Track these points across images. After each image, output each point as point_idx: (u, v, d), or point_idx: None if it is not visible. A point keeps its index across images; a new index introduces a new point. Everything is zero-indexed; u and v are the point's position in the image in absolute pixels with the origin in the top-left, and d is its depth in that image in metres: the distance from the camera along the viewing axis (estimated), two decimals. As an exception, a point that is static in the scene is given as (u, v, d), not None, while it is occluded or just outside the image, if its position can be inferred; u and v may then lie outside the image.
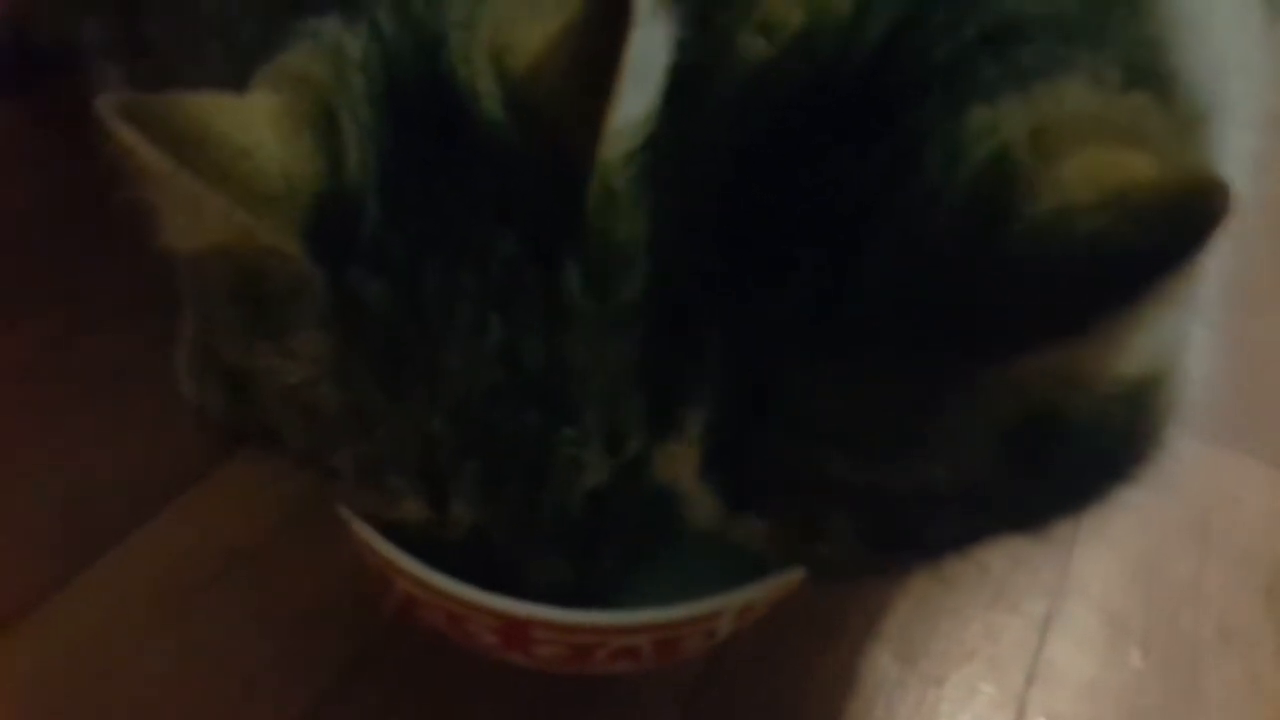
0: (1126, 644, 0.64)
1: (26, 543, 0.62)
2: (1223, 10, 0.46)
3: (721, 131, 0.40)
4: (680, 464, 0.42)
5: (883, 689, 0.61)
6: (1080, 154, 0.35)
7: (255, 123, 0.39)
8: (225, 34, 0.48)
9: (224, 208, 0.37)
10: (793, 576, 0.47)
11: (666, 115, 0.40)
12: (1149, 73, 0.39)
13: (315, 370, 0.41)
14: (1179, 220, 0.31)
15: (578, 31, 0.39)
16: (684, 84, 0.40)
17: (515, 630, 0.47)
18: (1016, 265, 0.34)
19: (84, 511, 0.63)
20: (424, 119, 0.41)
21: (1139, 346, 0.35)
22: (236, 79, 0.42)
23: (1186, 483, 0.74)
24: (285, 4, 0.45)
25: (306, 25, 0.43)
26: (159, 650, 0.58)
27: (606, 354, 0.41)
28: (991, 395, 0.37)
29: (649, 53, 0.38)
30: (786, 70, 0.39)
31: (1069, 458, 0.39)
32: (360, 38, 0.42)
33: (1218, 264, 0.43)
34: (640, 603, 0.47)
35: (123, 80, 0.65)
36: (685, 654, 0.51)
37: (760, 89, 0.40)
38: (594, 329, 0.40)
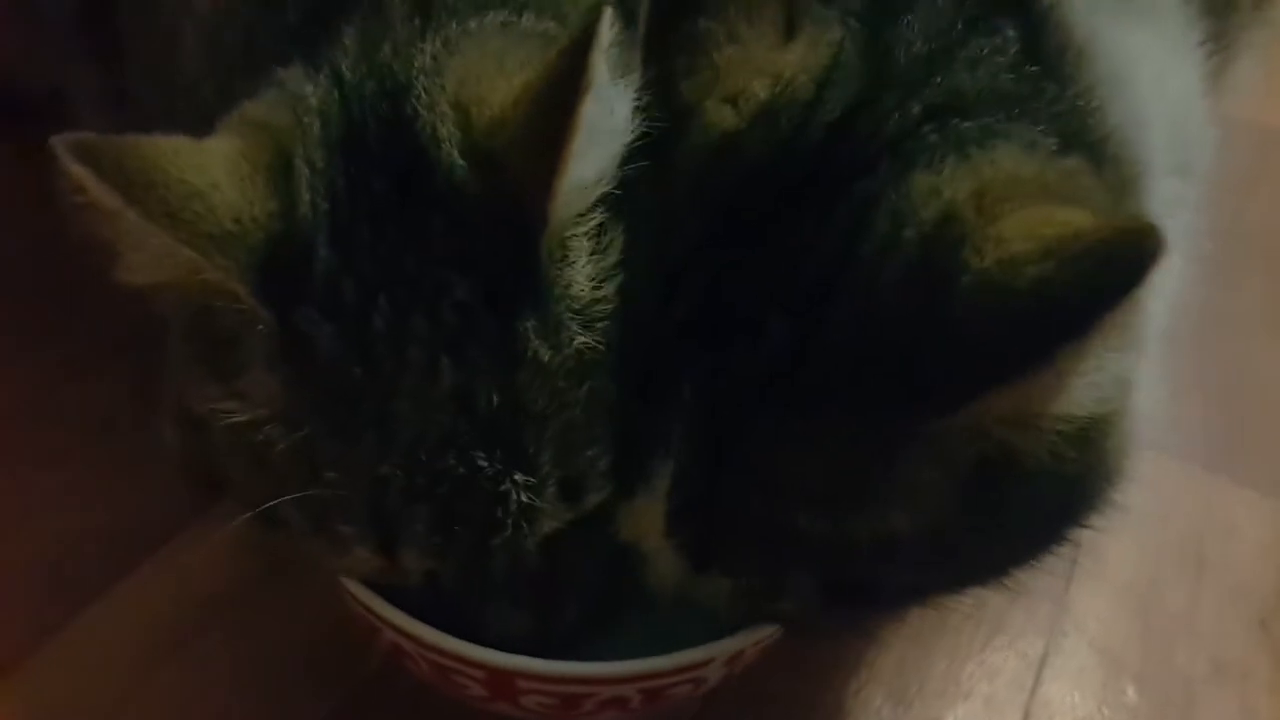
0: (1122, 680, 0.64)
1: (14, 593, 0.62)
2: (1147, 64, 0.48)
3: (691, 195, 0.42)
4: (646, 521, 0.43)
5: (876, 731, 0.60)
6: (1020, 211, 0.37)
7: (210, 166, 0.40)
8: (192, 95, 0.48)
9: (171, 246, 0.39)
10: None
11: (637, 177, 0.42)
12: (1082, 139, 0.43)
13: (263, 412, 0.42)
14: (1115, 263, 0.33)
15: (538, 92, 0.40)
16: (654, 148, 0.42)
17: (501, 681, 0.47)
18: (965, 316, 0.36)
19: (70, 561, 0.64)
20: (383, 163, 0.42)
21: (1085, 386, 0.37)
22: (199, 132, 0.43)
23: (1182, 514, 0.74)
24: (251, 56, 0.45)
25: (272, 75, 0.45)
26: (146, 699, 0.58)
27: (562, 402, 0.41)
28: (946, 443, 0.38)
29: (604, 120, 0.40)
30: (752, 140, 0.42)
31: (1025, 501, 0.41)
32: (321, 86, 0.44)
33: (1157, 305, 0.45)
34: (629, 650, 0.47)
35: (108, 128, 0.66)
36: (674, 703, 0.51)
37: (727, 156, 0.42)
38: (549, 376, 0.41)
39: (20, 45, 0.83)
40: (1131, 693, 0.63)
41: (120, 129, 0.42)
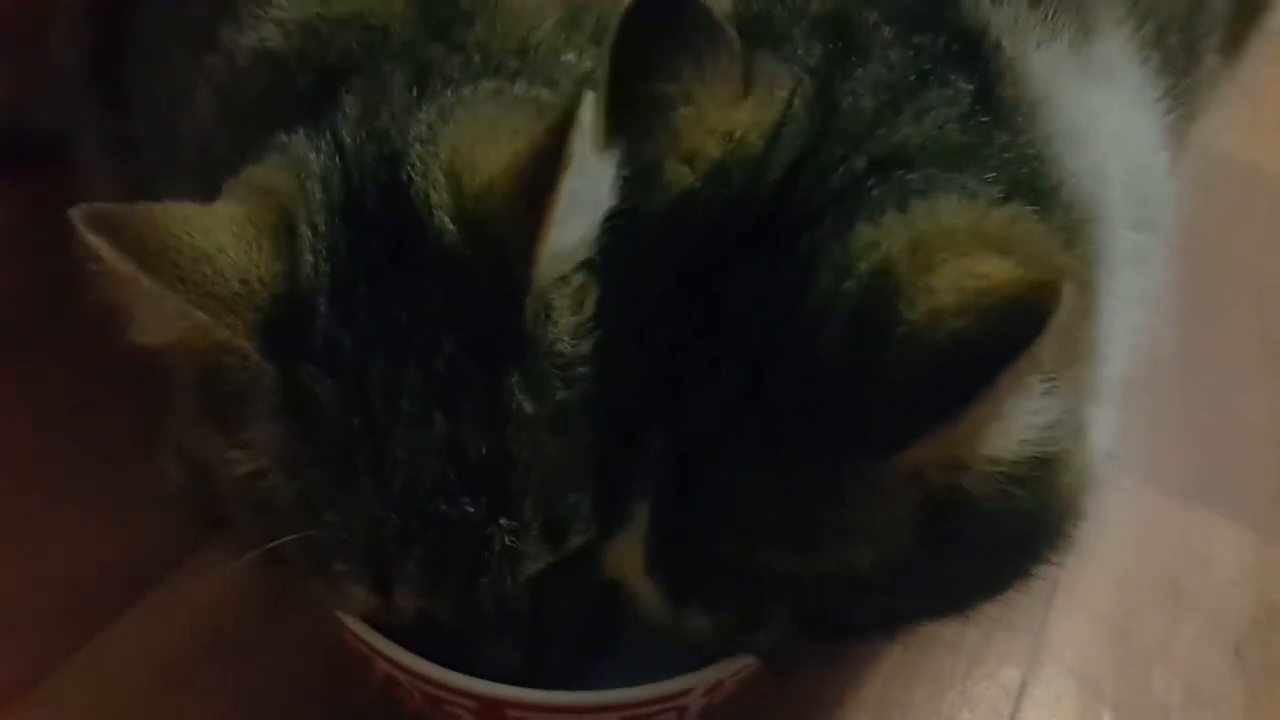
0: (1099, 708, 0.65)
1: (22, 622, 0.63)
2: (1106, 123, 0.50)
3: (655, 252, 0.44)
4: (627, 560, 0.45)
5: (859, 758, 0.62)
6: (951, 263, 0.39)
7: (217, 230, 0.43)
8: (204, 151, 0.51)
9: (182, 308, 0.41)
10: (758, 656, 0.49)
11: (611, 237, 0.44)
12: (1029, 186, 0.44)
13: (266, 462, 0.44)
14: (1017, 317, 0.35)
15: (523, 166, 0.43)
16: (620, 209, 0.44)
17: (492, 711, 0.49)
18: (896, 367, 0.38)
19: (77, 592, 0.65)
20: (380, 226, 0.44)
21: (1017, 430, 0.38)
22: (206, 188, 0.46)
23: (1159, 544, 0.75)
24: (262, 120, 0.48)
25: (276, 140, 0.47)
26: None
27: (545, 450, 0.43)
28: (891, 485, 0.40)
29: (585, 192, 0.42)
30: (707, 197, 0.44)
31: (981, 537, 0.42)
32: (322, 152, 0.46)
33: (1115, 352, 0.46)
34: (619, 678, 0.49)
35: (110, 172, 0.68)
36: (659, 730, 0.53)
37: (686, 213, 0.44)
38: (533, 427, 0.43)
39: (28, 89, 0.85)
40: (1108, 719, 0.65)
41: (124, 176, 0.44)
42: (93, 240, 0.39)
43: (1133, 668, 0.68)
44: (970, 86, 0.45)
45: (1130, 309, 0.49)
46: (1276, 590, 0.72)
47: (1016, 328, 0.35)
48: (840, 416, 0.39)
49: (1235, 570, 0.74)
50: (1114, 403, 0.49)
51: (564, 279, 0.44)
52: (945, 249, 0.39)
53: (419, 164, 0.45)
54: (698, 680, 0.48)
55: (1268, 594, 0.72)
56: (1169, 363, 0.86)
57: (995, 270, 0.38)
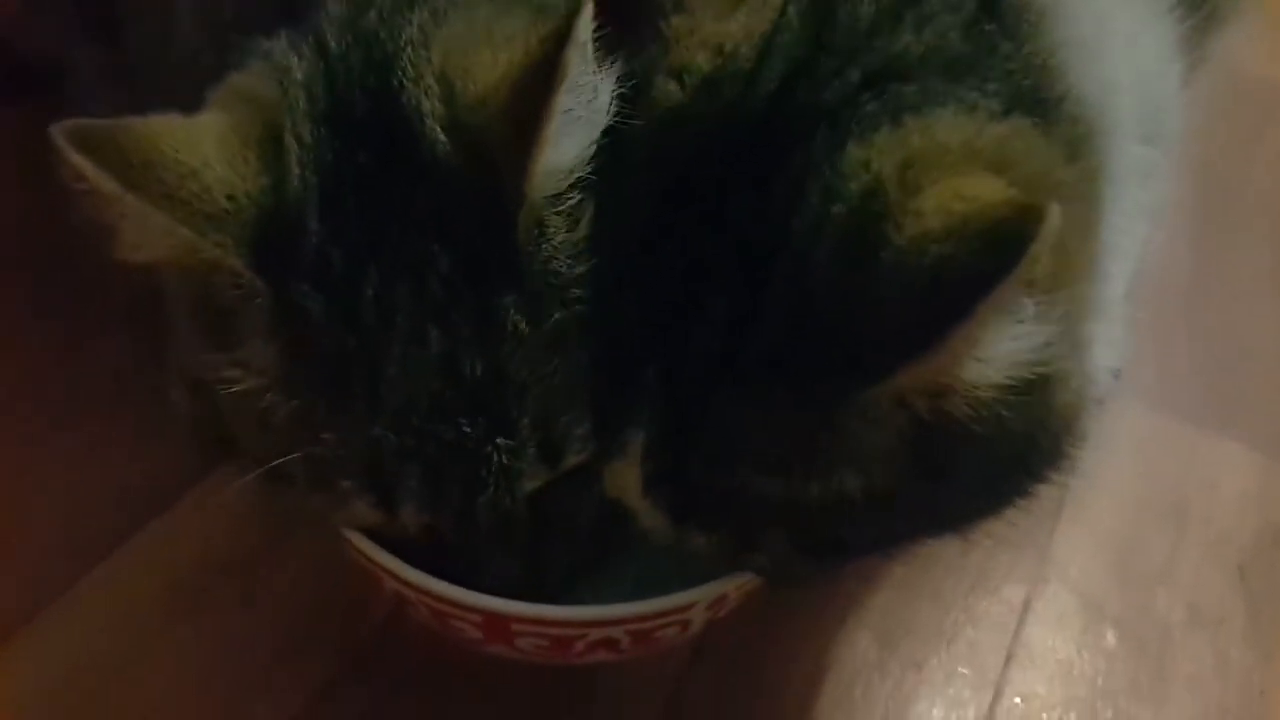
0: (1101, 625, 0.66)
1: (26, 552, 0.64)
2: (1116, 31, 0.48)
3: (645, 172, 0.43)
4: (626, 482, 0.45)
5: (862, 672, 0.63)
6: (940, 184, 0.37)
7: (201, 143, 0.42)
8: (190, 67, 0.50)
9: (169, 226, 0.40)
10: (759, 571, 0.50)
11: (603, 155, 0.43)
12: (1032, 98, 0.42)
13: (263, 380, 0.44)
14: (998, 244, 0.34)
15: (517, 79, 0.41)
16: (610, 127, 0.43)
17: (496, 625, 0.50)
18: (882, 292, 0.37)
19: (81, 521, 0.66)
20: (369, 134, 0.43)
21: (1002, 355, 0.37)
22: (194, 103, 0.45)
23: (1165, 465, 0.76)
24: (242, 26, 0.47)
25: (257, 45, 0.46)
26: (156, 656, 0.61)
27: (542, 370, 0.43)
28: (878, 411, 0.40)
29: (581, 108, 0.41)
30: (696, 114, 0.42)
31: (974, 458, 0.42)
32: (305, 57, 0.45)
33: (1118, 268, 0.45)
34: (623, 594, 0.50)
35: (107, 102, 0.67)
36: (663, 645, 0.54)
37: (675, 131, 0.43)
38: (529, 347, 0.43)
39: (20, 17, 0.84)
40: (1110, 637, 0.66)
41: (121, 103, 0.44)
42: (76, 159, 0.39)
43: (1136, 587, 0.68)
44: None
45: (1135, 223, 0.48)
46: (1280, 511, 0.72)
47: (997, 254, 0.34)
48: (826, 345, 0.38)
49: (1240, 492, 0.74)
50: (1119, 318, 0.48)
51: (559, 196, 0.43)
52: (937, 168, 0.38)
53: (410, 69, 0.43)
54: (700, 594, 0.49)
55: (1272, 516, 0.72)
56: (1179, 284, 0.85)
57: (984, 191, 0.37)
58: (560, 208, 0.43)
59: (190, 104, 0.45)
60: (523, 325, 0.43)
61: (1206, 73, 0.62)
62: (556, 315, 0.43)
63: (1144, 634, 0.66)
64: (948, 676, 0.63)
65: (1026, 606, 0.67)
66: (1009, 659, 0.64)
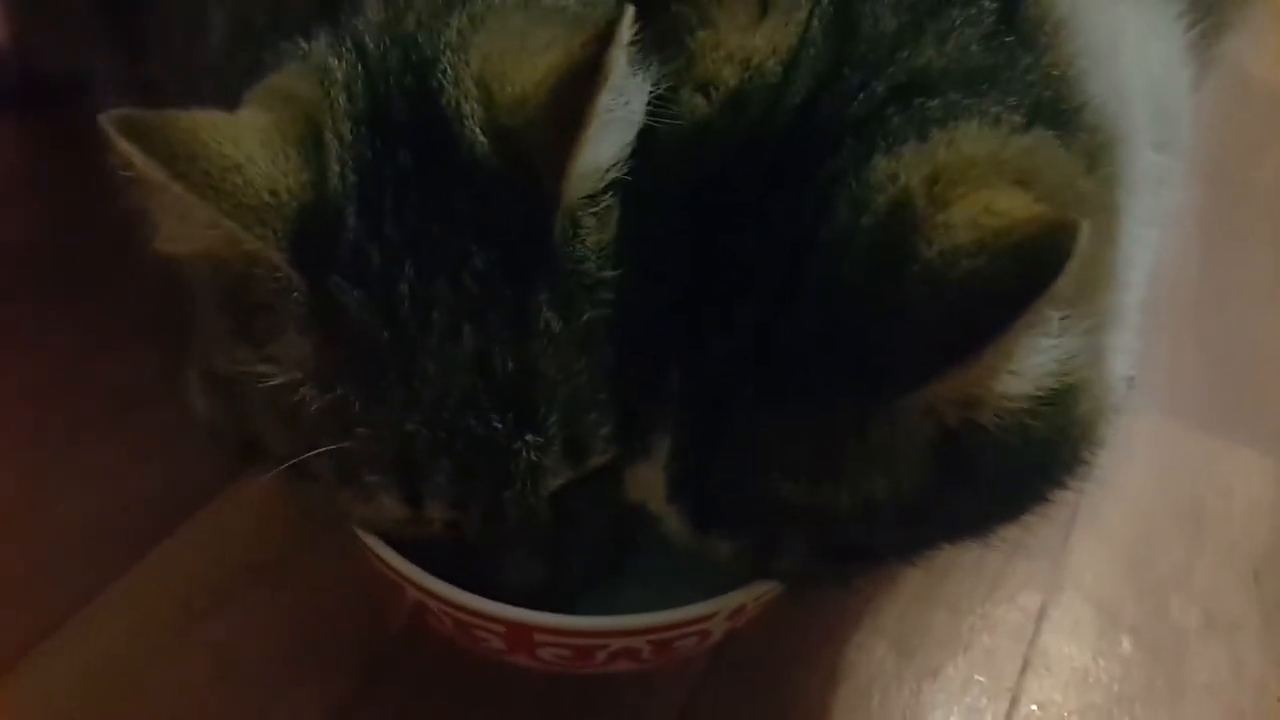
0: (1117, 632, 0.66)
1: (54, 559, 0.65)
2: (1129, 39, 0.49)
3: (672, 182, 0.44)
4: (649, 486, 0.46)
5: (879, 680, 0.63)
6: (969, 197, 0.38)
7: (244, 139, 0.42)
8: (219, 75, 0.50)
9: (212, 217, 0.41)
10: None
11: (632, 161, 0.44)
12: (1053, 110, 0.43)
13: (297, 375, 0.44)
14: (1030, 260, 0.35)
15: (559, 79, 0.42)
16: (642, 133, 0.43)
17: (519, 635, 0.50)
18: (913, 305, 0.38)
19: (106, 528, 0.66)
20: (408, 133, 0.44)
21: (1030, 368, 0.38)
22: (224, 108, 0.45)
23: (1180, 472, 0.76)
24: (278, 30, 0.48)
25: (296, 47, 0.47)
26: (183, 659, 0.61)
27: (571, 368, 0.44)
28: (908, 419, 0.40)
29: (619, 109, 0.42)
30: (724, 127, 0.43)
31: (997, 465, 0.42)
32: (344, 58, 0.46)
33: (1134, 277, 0.46)
34: (641, 604, 0.50)
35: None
36: (682, 654, 0.54)
37: (701, 144, 0.43)
38: (560, 346, 0.43)
39: (43, 29, 0.84)
40: (1126, 644, 0.66)
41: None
42: (124, 146, 0.39)
43: (1151, 594, 0.68)
44: (994, 4, 0.44)
45: (1149, 230, 0.49)
46: (1295, 518, 0.73)
47: (1032, 270, 0.34)
48: (857, 354, 0.39)
49: (1255, 498, 0.74)
50: (1134, 326, 0.49)
51: (593, 197, 0.44)
52: (964, 181, 0.39)
53: (450, 71, 0.44)
54: (721, 604, 0.49)
55: (1286, 521, 0.72)
56: (1190, 291, 0.85)
57: (1013, 206, 0.37)
58: (595, 208, 0.44)
59: (223, 107, 0.45)
60: (555, 323, 0.43)
61: (1214, 77, 0.62)
62: (587, 314, 0.44)
63: (1159, 641, 0.66)
64: (964, 684, 0.64)
65: (1042, 614, 0.67)
66: (1025, 666, 0.65)
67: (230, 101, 0.46)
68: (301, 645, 0.62)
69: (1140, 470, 0.75)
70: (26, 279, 0.78)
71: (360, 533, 0.50)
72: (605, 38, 0.40)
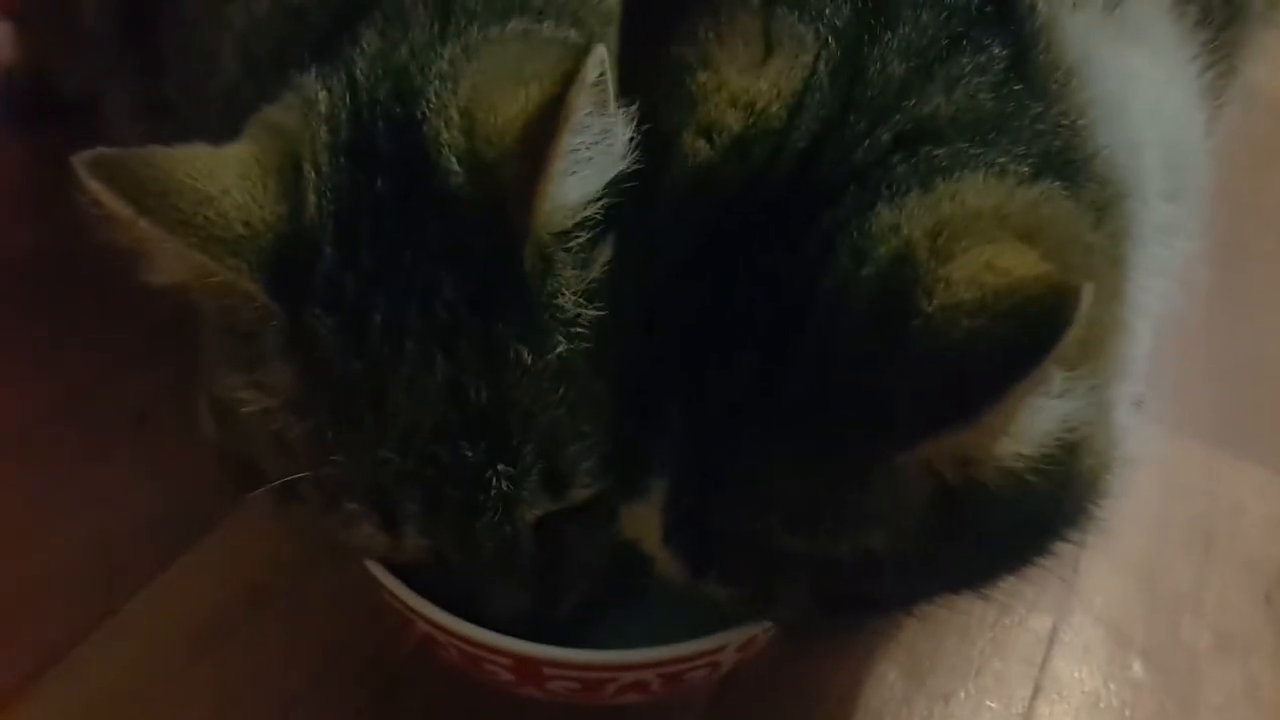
0: (1128, 655, 0.66)
1: (64, 583, 0.65)
2: (1142, 87, 0.48)
3: (672, 223, 0.44)
4: (645, 526, 0.45)
5: (890, 706, 0.63)
6: (972, 251, 0.38)
7: (223, 172, 0.44)
8: (231, 100, 0.52)
9: (182, 251, 0.42)
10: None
11: (628, 200, 0.44)
12: (1062, 160, 0.42)
13: (278, 401, 0.45)
14: (1031, 324, 0.34)
15: (530, 113, 0.43)
16: (641, 174, 0.43)
17: (528, 668, 0.50)
18: (913, 360, 0.37)
19: (117, 551, 0.66)
20: (389, 164, 0.45)
21: (1031, 429, 0.38)
22: (232, 136, 0.46)
23: (1190, 491, 0.75)
24: (279, 63, 0.49)
25: (291, 78, 0.48)
26: (194, 682, 0.61)
27: (547, 401, 0.44)
28: (906, 475, 0.40)
29: (593, 148, 0.42)
30: (727, 172, 0.43)
31: (997, 521, 0.42)
32: (333, 90, 0.47)
33: (1142, 327, 0.46)
34: (650, 636, 0.50)
35: (143, 136, 0.68)
36: (691, 686, 0.54)
37: (705, 188, 0.43)
38: (533, 377, 0.44)
39: (60, 51, 0.85)
40: (1137, 667, 0.66)
41: (157, 139, 0.45)
42: (92, 185, 0.40)
43: (1162, 615, 0.68)
44: (1004, 51, 0.43)
45: (1159, 280, 0.48)
46: (1308, 537, 0.72)
47: (1033, 333, 0.34)
48: (855, 407, 0.38)
49: (1265, 516, 0.74)
50: (1142, 375, 0.48)
51: (566, 234, 0.44)
52: (967, 234, 0.38)
53: (435, 100, 0.45)
54: (731, 637, 0.49)
55: (1298, 541, 0.72)
56: (1199, 309, 0.85)
57: (1016, 264, 0.37)
58: (568, 245, 0.44)
59: (228, 136, 0.46)
60: (526, 355, 0.43)
61: (1228, 113, 0.62)
62: (561, 349, 0.44)
63: (1171, 663, 0.66)
64: (975, 709, 0.63)
65: (1053, 637, 0.67)
66: (1037, 691, 0.64)
67: (236, 129, 0.47)
68: (311, 669, 0.62)
69: (1149, 489, 0.75)
70: (40, 295, 0.79)
71: (369, 565, 0.50)
72: (569, 78, 0.41)
